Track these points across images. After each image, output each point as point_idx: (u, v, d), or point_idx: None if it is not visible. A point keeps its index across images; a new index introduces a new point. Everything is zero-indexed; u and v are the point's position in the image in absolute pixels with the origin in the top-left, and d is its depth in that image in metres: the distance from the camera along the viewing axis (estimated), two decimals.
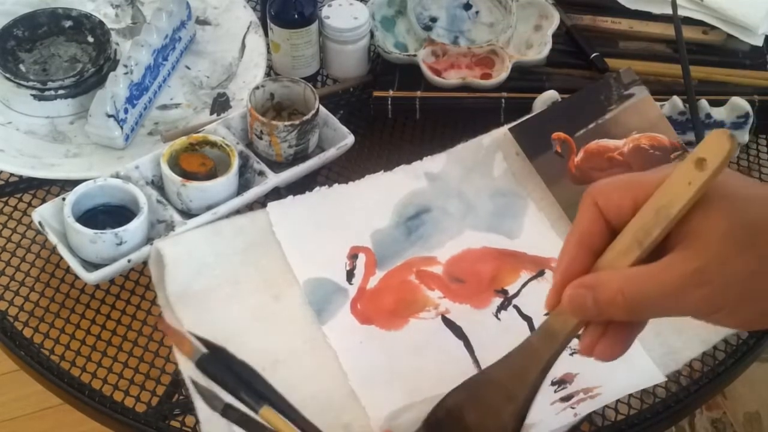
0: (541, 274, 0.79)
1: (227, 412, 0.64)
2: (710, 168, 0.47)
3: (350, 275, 0.78)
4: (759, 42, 0.99)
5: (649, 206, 0.50)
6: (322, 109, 0.88)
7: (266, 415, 0.64)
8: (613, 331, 0.51)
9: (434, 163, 0.85)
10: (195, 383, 0.66)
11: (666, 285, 0.48)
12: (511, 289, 0.78)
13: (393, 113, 0.93)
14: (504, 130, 0.87)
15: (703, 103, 0.88)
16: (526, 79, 0.93)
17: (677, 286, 0.48)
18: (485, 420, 0.61)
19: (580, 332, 0.53)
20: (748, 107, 0.88)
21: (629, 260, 0.50)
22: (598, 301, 0.50)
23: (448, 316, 0.76)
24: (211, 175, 0.82)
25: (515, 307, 0.77)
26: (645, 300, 0.49)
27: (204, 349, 0.67)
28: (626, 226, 0.51)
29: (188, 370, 0.68)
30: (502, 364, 0.60)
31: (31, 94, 0.91)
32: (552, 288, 0.54)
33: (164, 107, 0.94)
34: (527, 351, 0.58)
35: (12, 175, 0.88)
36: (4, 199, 0.87)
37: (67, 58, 0.95)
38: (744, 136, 0.90)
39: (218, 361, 0.67)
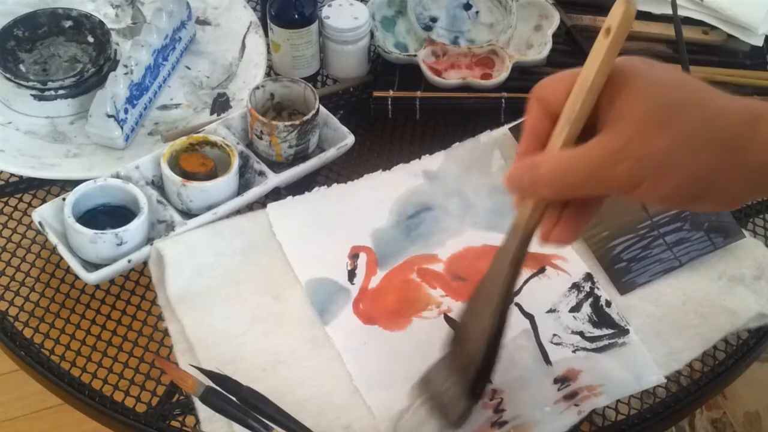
0: (542, 271, 0.79)
1: None
2: (613, 31, 0.51)
3: (352, 275, 0.78)
4: (759, 42, 0.99)
5: (575, 87, 0.54)
6: (322, 109, 0.88)
7: None
8: (566, 218, 0.57)
9: (432, 161, 0.86)
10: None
11: (591, 161, 0.52)
12: None
13: (393, 113, 0.93)
14: (503, 129, 0.87)
15: None
16: (527, 79, 0.93)
17: (601, 162, 0.52)
18: (474, 326, 0.65)
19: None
20: None
21: (561, 138, 0.54)
22: (533, 179, 0.55)
23: (450, 314, 0.76)
24: (211, 175, 0.82)
25: (517, 304, 0.77)
26: (573, 175, 0.53)
27: (207, 383, 0.67)
28: (562, 112, 0.55)
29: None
30: (488, 271, 0.64)
31: (31, 94, 0.91)
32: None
33: (164, 107, 0.94)
34: (500, 252, 0.62)
35: (12, 175, 0.88)
36: (4, 199, 0.87)
37: (67, 58, 0.95)
38: None
39: (222, 393, 0.66)
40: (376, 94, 0.92)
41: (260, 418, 0.66)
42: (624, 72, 0.53)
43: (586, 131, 0.54)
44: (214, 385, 0.67)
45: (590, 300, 0.78)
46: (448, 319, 0.76)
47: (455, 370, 0.66)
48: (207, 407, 0.68)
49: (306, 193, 0.83)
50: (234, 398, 0.67)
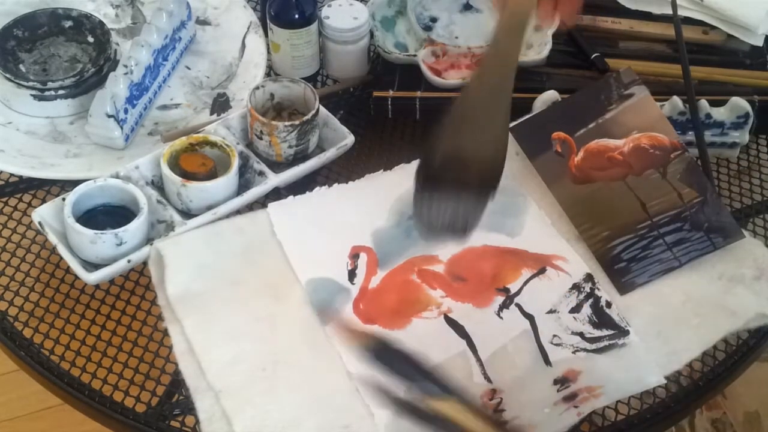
0: (542, 271, 0.79)
1: (403, 409, 0.61)
2: None
3: (352, 275, 0.78)
4: (759, 42, 0.99)
5: None
6: (322, 109, 0.88)
7: (442, 406, 0.61)
8: None
9: None
10: (370, 382, 0.64)
11: None
12: (513, 288, 0.78)
13: (393, 113, 0.93)
14: None
15: (703, 103, 0.88)
16: (526, 79, 0.93)
17: None
18: (479, 141, 0.64)
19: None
20: (748, 107, 0.88)
21: None
22: None
23: (450, 315, 0.76)
24: (211, 175, 0.82)
25: (517, 305, 0.77)
26: None
27: (376, 341, 0.64)
28: None
29: (356, 367, 0.68)
30: (476, 82, 0.62)
31: (31, 94, 0.91)
32: None
33: (164, 107, 0.94)
34: (495, 57, 0.59)
35: (12, 175, 0.88)
36: (4, 199, 0.87)
37: (67, 58, 0.95)
38: (744, 136, 0.90)
39: (394, 350, 0.64)
40: (376, 94, 0.92)
41: (438, 380, 0.63)
42: None
43: None
44: (386, 342, 0.64)
45: (590, 301, 0.78)
46: (448, 319, 0.76)
47: (456, 190, 0.67)
48: (206, 408, 0.68)
49: (307, 192, 0.83)
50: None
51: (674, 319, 0.77)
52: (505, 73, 0.60)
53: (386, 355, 0.63)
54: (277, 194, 0.85)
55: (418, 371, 0.63)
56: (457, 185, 0.68)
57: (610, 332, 0.76)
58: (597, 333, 0.76)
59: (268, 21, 0.94)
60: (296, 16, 0.92)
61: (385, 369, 0.63)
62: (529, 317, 0.76)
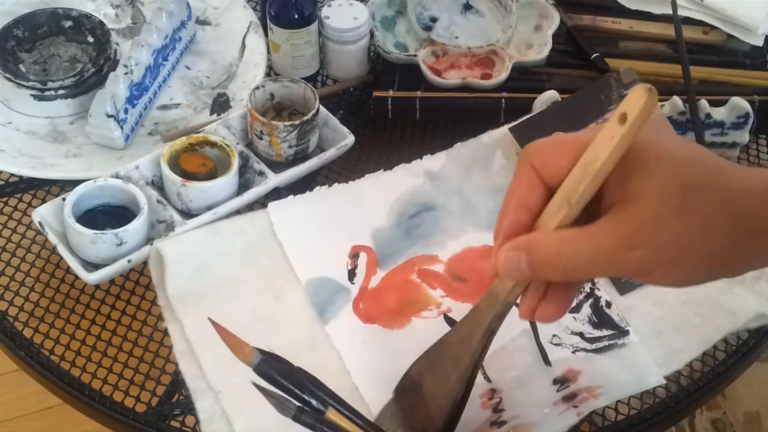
0: None
1: (300, 416, 0.61)
2: (630, 121, 0.47)
3: (352, 274, 0.78)
4: (759, 42, 0.99)
5: (578, 164, 0.50)
6: (322, 109, 0.88)
7: (332, 416, 0.61)
8: (553, 293, 0.52)
9: (434, 161, 0.86)
10: (262, 388, 0.64)
11: (600, 247, 0.48)
12: None
13: (393, 113, 0.93)
14: (504, 129, 0.87)
15: (703, 103, 0.88)
16: (526, 79, 0.93)
17: (611, 248, 0.48)
18: (436, 385, 0.62)
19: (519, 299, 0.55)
20: (748, 107, 0.88)
21: (559, 219, 0.50)
22: (532, 262, 0.50)
23: (450, 315, 0.76)
24: (211, 175, 0.82)
25: (517, 305, 0.76)
26: (579, 261, 0.49)
27: (261, 354, 0.65)
28: (561, 186, 0.51)
29: (249, 375, 0.67)
30: (455, 329, 0.61)
31: (31, 94, 0.91)
32: (494, 253, 0.54)
33: (164, 107, 0.94)
34: (474, 315, 0.59)
35: (12, 175, 0.88)
36: (4, 199, 0.87)
37: (67, 58, 0.95)
38: (744, 136, 0.90)
39: (278, 365, 0.65)
40: (376, 94, 0.92)
41: (318, 394, 0.63)
42: (634, 148, 0.48)
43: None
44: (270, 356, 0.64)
45: (590, 301, 0.78)
46: (448, 319, 0.76)
47: (408, 427, 0.64)
48: (206, 408, 0.68)
49: (307, 192, 0.83)
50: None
51: (674, 319, 0.77)
52: (475, 332, 0.58)
53: (272, 370, 0.63)
54: (277, 194, 0.85)
55: (302, 385, 0.64)
56: (409, 417, 0.65)
57: (610, 332, 0.76)
58: (597, 333, 0.75)
59: (268, 21, 0.94)
60: (296, 16, 0.92)
61: (273, 382, 0.63)
62: None
